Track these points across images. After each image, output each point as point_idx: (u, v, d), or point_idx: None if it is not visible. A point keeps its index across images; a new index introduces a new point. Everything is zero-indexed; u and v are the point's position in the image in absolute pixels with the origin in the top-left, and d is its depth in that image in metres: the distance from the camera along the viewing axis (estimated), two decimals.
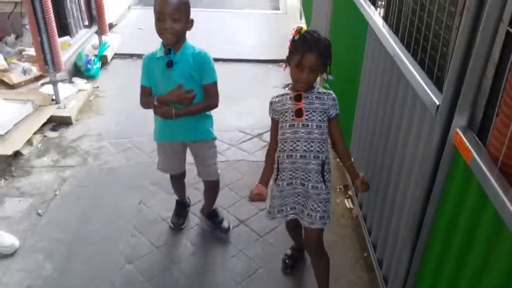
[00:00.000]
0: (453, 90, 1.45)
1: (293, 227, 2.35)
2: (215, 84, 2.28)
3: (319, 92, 1.98)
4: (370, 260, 2.48)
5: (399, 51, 2.00)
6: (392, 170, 2.12)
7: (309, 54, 1.85)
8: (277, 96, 2.05)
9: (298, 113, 1.94)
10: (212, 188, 2.70)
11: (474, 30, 1.34)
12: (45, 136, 3.69)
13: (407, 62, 1.89)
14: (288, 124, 1.98)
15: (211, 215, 2.77)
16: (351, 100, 2.88)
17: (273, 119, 2.09)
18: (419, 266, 1.76)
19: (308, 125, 1.94)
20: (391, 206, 2.15)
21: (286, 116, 1.98)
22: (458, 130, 1.40)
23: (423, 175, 1.67)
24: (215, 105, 2.32)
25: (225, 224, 2.74)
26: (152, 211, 2.91)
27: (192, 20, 2.19)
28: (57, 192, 3.06)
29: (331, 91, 2.01)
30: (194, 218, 2.86)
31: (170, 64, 2.18)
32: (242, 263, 2.54)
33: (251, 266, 2.52)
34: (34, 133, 3.62)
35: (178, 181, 2.73)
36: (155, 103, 2.26)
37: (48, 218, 2.84)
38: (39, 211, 2.89)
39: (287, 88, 2.04)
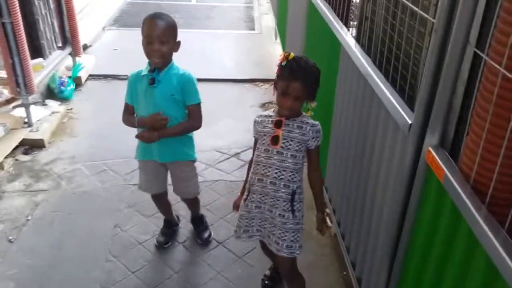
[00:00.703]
0: (424, 109, 1.47)
1: (267, 246, 2.30)
2: (198, 105, 2.31)
3: (302, 121, 1.94)
4: (349, 279, 2.48)
5: (370, 71, 2.03)
6: (368, 189, 2.14)
7: (294, 83, 1.84)
8: (261, 116, 2.04)
9: (274, 140, 1.93)
10: (189, 201, 2.75)
11: (443, 51, 1.37)
12: (17, 159, 3.61)
13: (379, 82, 1.92)
14: (263, 148, 1.98)
15: (194, 220, 2.83)
16: (326, 119, 2.90)
17: (255, 139, 2.08)
18: (397, 284, 1.77)
19: (282, 153, 1.93)
20: (368, 224, 2.15)
21: (264, 140, 1.98)
22: (430, 148, 1.42)
23: (398, 194, 1.68)
24: (198, 126, 2.35)
25: (205, 234, 2.77)
26: (128, 234, 2.85)
27: (179, 42, 2.26)
28: (29, 217, 2.98)
29: (316, 122, 1.98)
30: (182, 235, 2.84)
31: (152, 82, 2.22)
32: (220, 285, 2.50)
33: None
34: (6, 157, 3.53)
35: (160, 200, 2.70)
36: (137, 127, 2.33)
37: (19, 245, 2.75)
38: (10, 237, 2.80)
39: (273, 110, 2.03)
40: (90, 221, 2.97)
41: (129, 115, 2.38)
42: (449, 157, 1.38)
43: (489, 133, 1.16)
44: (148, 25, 2.15)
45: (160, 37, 2.13)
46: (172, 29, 2.19)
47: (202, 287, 2.49)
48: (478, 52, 1.23)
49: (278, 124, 1.93)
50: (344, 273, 2.57)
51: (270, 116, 2.00)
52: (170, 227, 2.82)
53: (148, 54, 2.20)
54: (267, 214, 2.03)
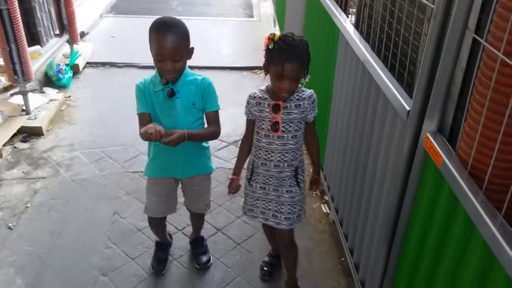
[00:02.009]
0: (423, 95, 1.48)
1: (269, 227, 2.28)
2: (217, 112, 2.13)
3: (299, 97, 1.91)
4: (347, 265, 2.50)
5: (369, 57, 2.02)
6: (366, 176, 2.14)
7: (288, 65, 1.76)
8: (254, 97, 1.97)
9: (274, 127, 1.91)
10: (199, 216, 2.55)
11: (442, 37, 1.37)
12: (15, 147, 3.60)
13: (377, 68, 1.91)
14: (263, 134, 1.96)
15: (195, 242, 2.64)
16: (325, 105, 2.90)
17: (249, 120, 2.04)
18: (395, 270, 1.78)
19: (283, 137, 1.93)
20: (366, 211, 2.17)
21: (263, 125, 1.95)
22: (428, 134, 1.43)
23: (396, 180, 1.69)
24: (218, 133, 2.15)
25: (203, 258, 2.54)
26: (127, 221, 2.86)
27: (192, 49, 2.02)
28: (28, 205, 2.98)
29: (312, 91, 1.94)
30: (181, 221, 2.82)
31: (172, 94, 2.00)
32: (219, 272, 2.52)
33: (229, 275, 2.50)
34: (4, 145, 3.53)
35: (160, 221, 2.45)
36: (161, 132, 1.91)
37: (19, 232, 2.76)
38: (10, 224, 2.81)
39: (266, 86, 1.97)
40: (89, 208, 2.97)
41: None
42: (447, 143, 1.39)
43: (487, 119, 1.16)
44: (158, 41, 1.88)
45: (174, 54, 1.90)
46: (185, 40, 1.95)
47: (202, 273, 2.50)
48: (477, 38, 1.23)
49: (275, 109, 1.90)
50: (342, 259, 2.59)
51: (266, 99, 1.94)
52: (165, 250, 2.60)
53: (159, 70, 1.97)
54: (271, 195, 2.05)
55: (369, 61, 2.01)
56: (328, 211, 2.96)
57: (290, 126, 1.92)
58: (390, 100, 1.77)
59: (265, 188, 2.06)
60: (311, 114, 1.95)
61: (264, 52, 1.87)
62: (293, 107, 1.91)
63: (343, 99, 2.53)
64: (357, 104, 2.27)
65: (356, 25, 2.45)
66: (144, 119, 2.05)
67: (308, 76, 1.91)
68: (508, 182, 1.14)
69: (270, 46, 1.81)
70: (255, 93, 1.99)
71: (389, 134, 1.85)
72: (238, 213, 2.83)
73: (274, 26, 6.43)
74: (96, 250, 2.64)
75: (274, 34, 1.82)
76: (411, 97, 1.59)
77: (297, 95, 1.92)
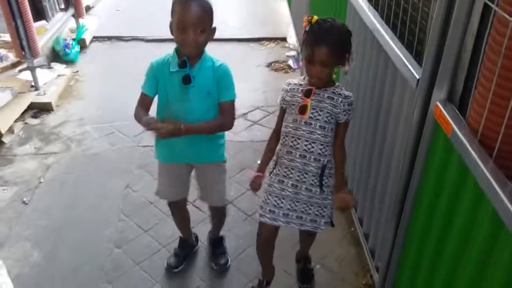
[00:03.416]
0: (432, 63, 1.45)
1: (268, 242, 2.11)
2: (232, 102, 1.98)
3: (335, 92, 1.80)
4: (357, 234, 2.52)
5: (378, 26, 1.99)
6: (375, 145, 2.14)
7: (318, 48, 1.68)
8: (289, 84, 1.90)
9: (302, 109, 1.80)
10: (216, 214, 2.46)
11: (452, 3, 1.34)
12: (26, 123, 3.64)
13: (386, 37, 1.89)
14: (291, 118, 1.86)
15: (214, 242, 2.52)
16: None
17: (281, 108, 1.94)
18: (404, 239, 1.80)
19: (311, 124, 1.81)
20: (375, 180, 2.17)
21: (292, 109, 1.85)
22: (438, 103, 1.41)
23: (405, 149, 1.68)
24: (230, 125, 2.01)
25: (222, 260, 2.44)
26: (139, 194, 2.90)
27: (215, 28, 1.90)
28: (42, 180, 3.03)
29: (350, 94, 1.83)
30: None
31: (187, 81, 1.88)
32: (231, 242, 2.56)
33: (240, 245, 2.55)
34: (15, 121, 3.56)
35: (179, 208, 2.37)
36: (147, 129, 1.84)
37: (33, 206, 2.81)
38: (24, 199, 2.86)
39: (304, 78, 1.88)
40: (101, 182, 3.02)
41: (142, 109, 1.94)
42: (457, 111, 1.38)
43: (497, 86, 1.15)
44: (182, 9, 1.79)
45: (197, 24, 1.79)
46: (210, 14, 1.85)
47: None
48: (488, 2, 1.20)
49: (307, 93, 1.80)
50: (352, 229, 2.61)
51: (301, 85, 1.85)
52: (185, 248, 2.49)
53: (180, 42, 1.84)
54: (288, 191, 1.91)
55: (378, 30, 1.98)
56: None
57: (319, 115, 1.79)
58: (399, 68, 1.75)
59: (283, 181, 1.91)
60: (344, 115, 1.81)
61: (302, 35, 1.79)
62: (326, 97, 1.80)
63: (351, 68, 2.50)
64: (366, 73, 2.25)
65: None
66: (144, 100, 1.96)
67: (349, 66, 1.79)
68: None
69: (307, 28, 1.74)
70: (292, 80, 1.92)
71: (398, 103, 1.83)
72: (247, 186, 2.84)
73: None
74: (109, 223, 2.69)
75: (312, 16, 1.75)
76: (421, 66, 1.57)
77: (334, 89, 1.81)
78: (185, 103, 1.93)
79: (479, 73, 1.25)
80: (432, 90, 1.47)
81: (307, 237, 2.25)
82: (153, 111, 1.97)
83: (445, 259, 1.43)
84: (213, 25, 1.89)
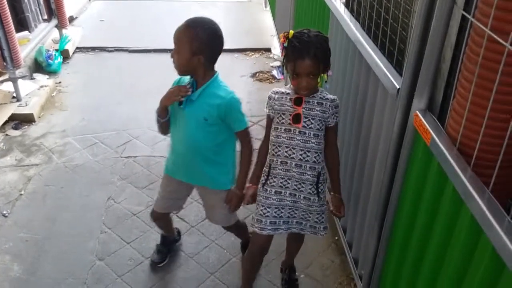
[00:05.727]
0: (412, 73, 1.48)
1: (263, 249, 2.09)
2: (247, 129, 2.00)
3: (322, 97, 1.83)
4: (341, 244, 2.53)
5: (359, 37, 2.02)
6: (358, 154, 2.16)
7: (303, 61, 1.71)
8: (276, 92, 1.89)
9: (296, 118, 1.81)
10: (231, 230, 2.44)
11: (431, 14, 1.36)
12: (7, 135, 3.58)
13: (367, 47, 1.91)
14: (283, 128, 1.85)
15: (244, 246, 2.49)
16: None
17: (268, 116, 1.94)
18: (387, 247, 1.81)
19: (305, 133, 1.82)
20: (357, 189, 2.18)
21: (283, 119, 1.85)
22: (417, 112, 1.44)
23: (387, 157, 1.70)
24: (251, 148, 2.03)
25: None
26: (122, 206, 2.87)
27: (202, 58, 1.86)
28: (22, 192, 2.98)
29: (335, 97, 1.86)
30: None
31: (180, 102, 1.91)
32: (214, 253, 2.55)
33: (224, 256, 2.53)
34: None
35: (159, 218, 2.36)
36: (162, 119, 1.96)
37: (13, 219, 2.76)
38: (4, 211, 2.81)
39: (289, 86, 1.89)
40: (83, 194, 2.98)
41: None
42: (437, 120, 1.40)
43: (475, 95, 1.17)
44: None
45: (175, 43, 1.84)
46: (190, 37, 1.82)
47: (197, 256, 2.53)
48: (465, 14, 1.23)
49: (298, 102, 1.81)
50: (336, 238, 2.62)
51: (288, 94, 1.86)
52: (167, 244, 2.52)
53: None
54: (287, 200, 1.91)
55: (359, 41, 2.00)
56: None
57: (312, 123, 1.82)
58: (380, 78, 1.77)
59: (280, 192, 1.90)
60: (333, 118, 1.85)
61: (280, 50, 1.82)
62: (316, 104, 1.82)
63: (334, 77, 2.53)
64: (348, 83, 2.27)
65: (347, 4, 2.43)
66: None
67: (330, 72, 1.82)
68: (495, 157, 1.15)
69: (285, 44, 1.76)
70: (279, 89, 1.92)
71: (379, 112, 1.85)
72: None
73: (266, 7, 6.39)
74: (92, 235, 2.65)
75: (288, 32, 1.77)
76: (401, 75, 1.60)
77: (320, 95, 1.84)
78: (180, 128, 1.98)
79: (458, 83, 1.27)
80: (412, 100, 1.49)
81: (295, 243, 2.26)
82: None
83: (426, 265, 1.44)
84: (206, 53, 1.86)
